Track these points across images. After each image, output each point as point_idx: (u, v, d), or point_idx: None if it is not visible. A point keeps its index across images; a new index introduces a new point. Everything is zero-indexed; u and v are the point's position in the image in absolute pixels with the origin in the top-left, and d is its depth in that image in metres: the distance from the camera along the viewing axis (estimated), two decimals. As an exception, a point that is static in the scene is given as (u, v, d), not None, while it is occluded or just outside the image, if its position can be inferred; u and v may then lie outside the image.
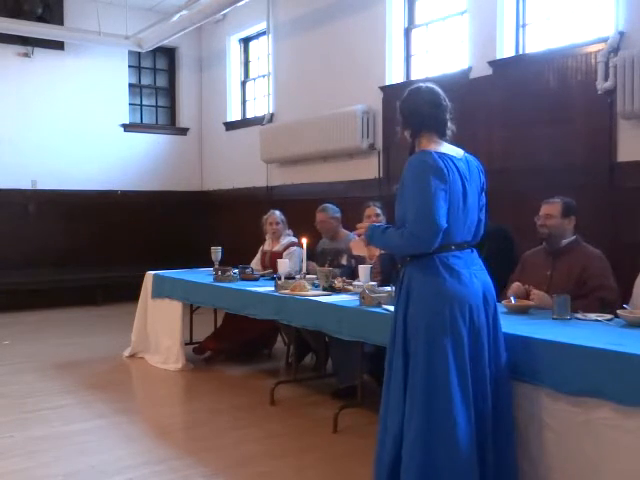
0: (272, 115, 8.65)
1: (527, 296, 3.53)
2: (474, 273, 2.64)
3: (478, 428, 2.54)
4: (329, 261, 5.19)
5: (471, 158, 2.76)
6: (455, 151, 2.70)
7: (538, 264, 3.80)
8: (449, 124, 2.72)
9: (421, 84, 2.79)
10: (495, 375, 2.63)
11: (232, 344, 5.67)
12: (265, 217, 5.88)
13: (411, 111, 2.73)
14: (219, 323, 5.89)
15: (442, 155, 2.61)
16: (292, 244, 5.65)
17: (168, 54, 10.20)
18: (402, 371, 2.61)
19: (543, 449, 2.61)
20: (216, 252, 5.47)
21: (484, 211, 2.79)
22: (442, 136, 2.70)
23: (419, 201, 2.53)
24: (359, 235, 2.91)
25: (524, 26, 5.86)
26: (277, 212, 5.85)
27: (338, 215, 5.45)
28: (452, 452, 2.47)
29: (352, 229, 5.44)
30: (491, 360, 2.62)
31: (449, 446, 2.47)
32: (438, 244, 2.55)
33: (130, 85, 9.79)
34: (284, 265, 4.54)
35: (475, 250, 2.73)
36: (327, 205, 5.47)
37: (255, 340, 5.71)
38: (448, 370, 2.50)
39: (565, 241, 3.72)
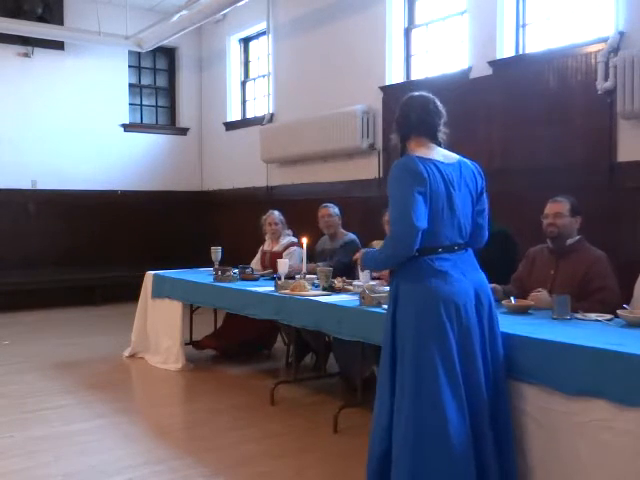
0: (272, 115, 8.65)
1: (524, 296, 3.54)
2: (464, 273, 2.66)
3: (473, 424, 2.55)
4: (327, 261, 5.21)
5: (467, 163, 2.78)
6: (445, 156, 2.73)
7: (542, 262, 3.79)
8: (441, 128, 2.76)
9: (416, 92, 2.85)
10: (492, 374, 2.64)
11: (232, 344, 5.67)
12: (264, 217, 5.88)
13: (402, 117, 2.81)
14: (219, 323, 5.89)
15: (424, 159, 2.65)
16: (292, 244, 5.66)
17: (168, 54, 10.20)
18: (388, 369, 2.68)
19: (541, 449, 2.61)
20: (216, 252, 5.48)
21: (484, 215, 2.81)
22: (433, 140, 2.74)
23: (397, 204, 2.61)
24: (356, 261, 3.09)
25: (524, 26, 5.86)
26: (276, 212, 5.86)
27: (339, 214, 5.48)
28: (444, 449, 2.48)
29: (352, 229, 5.53)
30: (487, 358, 2.64)
31: (440, 443, 2.48)
32: (421, 245, 2.59)
33: (130, 85, 9.80)
34: (284, 265, 4.54)
35: (470, 250, 2.75)
36: (328, 203, 5.50)
37: (255, 340, 5.71)
38: (436, 369, 2.52)
39: (570, 241, 3.70)
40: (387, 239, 2.70)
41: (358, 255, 3.04)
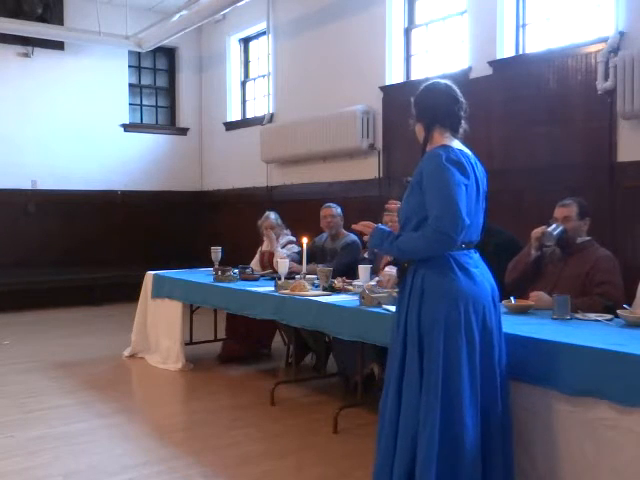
0: (272, 115, 8.65)
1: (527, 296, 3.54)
2: (482, 272, 2.62)
3: (483, 430, 2.51)
4: (329, 260, 5.21)
5: (478, 161, 2.76)
6: (468, 151, 2.68)
7: (549, 261, 3.79)
8: (463, 122, 2.70)
9: (439, 80, 2.77)
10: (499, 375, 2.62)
11: (242, 345, 5.64)
12: (260, 221, 5.86)
13: (427, 104, 2.71)
14: (219, 323, 5.89)
15: (462, 152, 2.59)
16: (290, 242, 5.67)
17: (168, 54, 10.20)
18: (417, 374, 2.53)
19: (544, 449, 2.61)
20: (216, 252, 5.47)
21: (484, 215, 2.78)
22: (454, 133, 2.68)
23: (444, 197, 2.47)
24: (359, 232, 2.87)
25: (524, 26, 5.86)
26: (272, 215, 5.83)
27: (341, 215, 5.48)
28: (459, 454, 2.44)
29: (351, 229, 5.52)
30: (498, 361, 2.60)
31: (457, 447, 2.44)
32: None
33: (130, 85, 9.79)
34: (284, 265, 4.54)
35: (476, 251, 2.73)
36: (331, 203, 5.50)
37: (261, 340, 5.71)
38: (461, 371, 2.46)
39: (580, 240, 3.70)
40: (428, 232, 2.48)
41: (368, 226, 2.81)
